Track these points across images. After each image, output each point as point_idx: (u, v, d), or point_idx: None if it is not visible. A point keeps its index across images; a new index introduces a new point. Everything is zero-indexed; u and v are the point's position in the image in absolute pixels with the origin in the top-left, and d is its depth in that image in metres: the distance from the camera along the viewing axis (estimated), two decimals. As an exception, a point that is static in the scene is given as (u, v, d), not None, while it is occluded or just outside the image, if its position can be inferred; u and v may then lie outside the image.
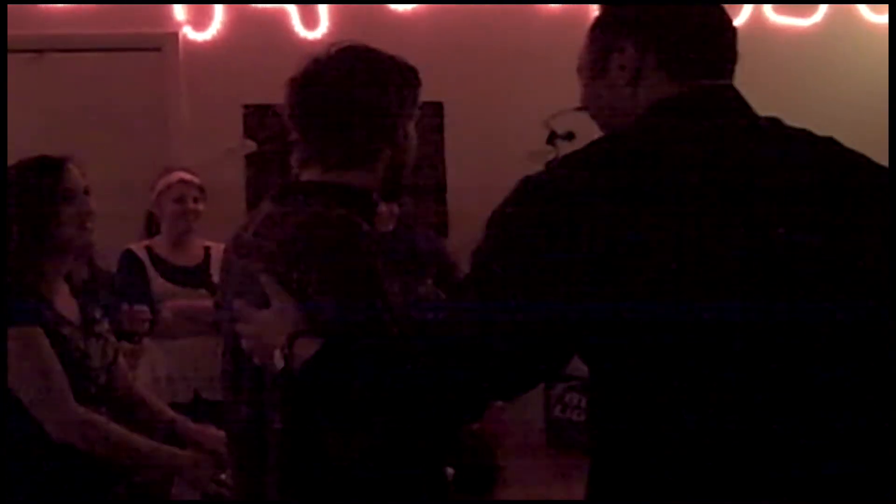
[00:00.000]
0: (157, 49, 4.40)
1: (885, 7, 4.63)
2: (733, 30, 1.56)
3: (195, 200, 3.67)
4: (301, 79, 1.79)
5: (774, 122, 1.52)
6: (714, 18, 1.55)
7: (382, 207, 3.43)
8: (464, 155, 4.47)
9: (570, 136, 4.29)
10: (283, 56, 4.28)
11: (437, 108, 4.42)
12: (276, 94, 4.69)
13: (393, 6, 4.48)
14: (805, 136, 1.52)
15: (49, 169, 2.26)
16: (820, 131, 1.58)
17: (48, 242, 2.25)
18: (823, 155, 1.49)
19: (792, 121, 1.58)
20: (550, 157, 4.47)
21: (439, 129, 4.46)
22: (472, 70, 4.46)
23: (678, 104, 1.48)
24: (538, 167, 4.71)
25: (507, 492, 2.46)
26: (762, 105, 1.60)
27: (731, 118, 1.49)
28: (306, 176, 1.77)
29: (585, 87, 1.59)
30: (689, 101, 1.49)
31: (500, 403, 2.84)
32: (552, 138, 4.48)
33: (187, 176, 3.70)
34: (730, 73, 1.55)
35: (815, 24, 4.65)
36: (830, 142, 1.52)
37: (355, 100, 1.73)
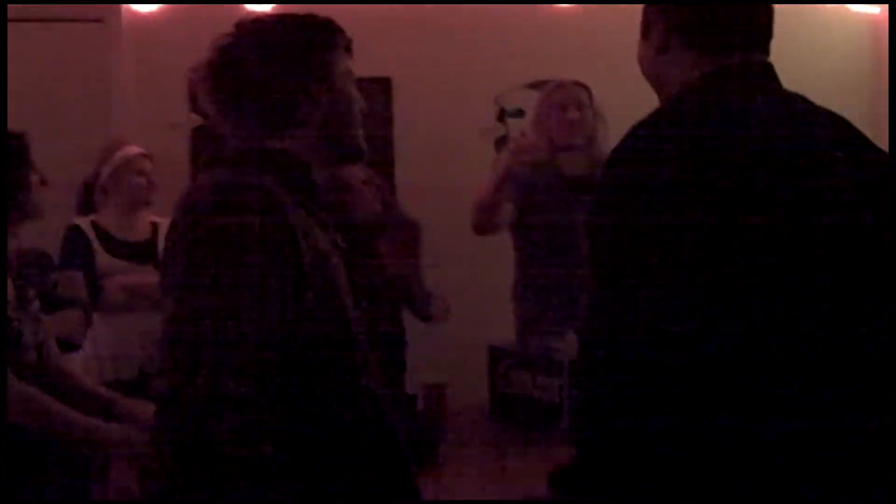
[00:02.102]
0: (99, 21, 4.32)
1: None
2: (767, 6, 1.68)
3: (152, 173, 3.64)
4: (206, 64, 1.75)
5: (799, 99, 1.64)
6: None
7: (364, 190, 3.38)
8: (412, 131, 4.45)
9: (519, 112, 4.28)
10: (230, 28, 4.18)
11: (385, 84, 4.38)
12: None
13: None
14: (826, 115, 1.63)
15: (14, 138, 2.39)
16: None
17: (13, 210, 2.34)
18: (842, 134, 1.61)
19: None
20: (499, 134, 4.47)
21: (388, 104, 4.43)
22: (422, 45, 4.43)
23: (711, 82, 1.60)
24: (487, 144, 4.70)
25: (449, 465, 2.46)
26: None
27: (755, 94, 1.60)
28: (233, 144, 1.74)
29: (639, 46, 1.75)
30: (720, 79, 1.60)
31: (442, 380, 2.86)
32: (502, 115, 4.48)
33: (142, 149, 3.66)
34: (761, 48, 1.66)
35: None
36: (845, 121, 1.64)
37: (262, 69, 1.69)
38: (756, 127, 1.53)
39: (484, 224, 3.32)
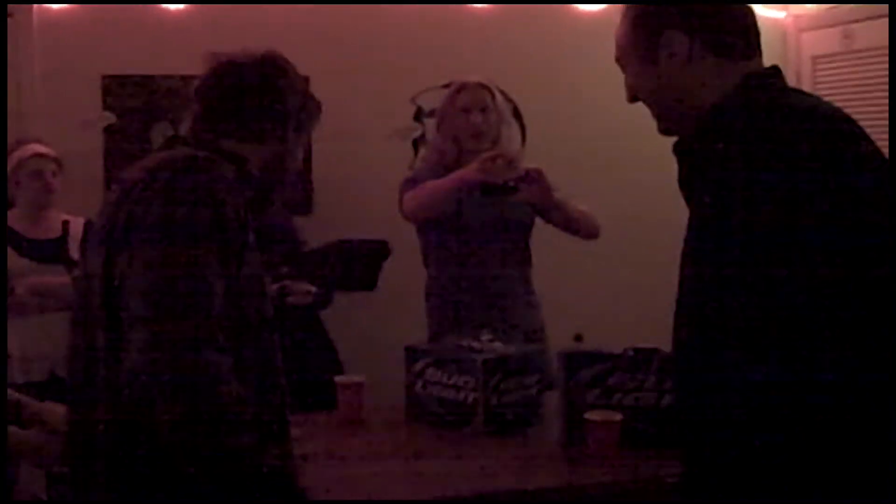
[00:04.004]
0: (9, 16, 4.22)
1: None
2: (753, 11, 1.74)
3: (53, 175, 3.56)
4: (228, 58, 1.96)
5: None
6: (739, 3, 1.73)
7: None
8: (330, 129, 4.43)
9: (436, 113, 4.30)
10: (144, 27, 4.18)
11: (303, 82, 4.36)
12: (137, 65, 4.56)
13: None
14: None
15: None
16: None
17: None
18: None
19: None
20: (417, 134, 4.49)
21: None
22: (340, 44, 4.42)
23: (756, 81, 1.66)
24: (404, 143, 4.72)
25: (365, 464, 2.46)
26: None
27: (790, 92, 1.70)
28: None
29: (634, 76, 1.74)
30: (762, 79, 1.67)
31: (359, 378, 2.87)
32: (419, 115, 4.50)
33: (43, 149, 3.59)
34: (760, 50, 1.72)
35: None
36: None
37: (267, 89, 1.94)
38: (814, 120, 1.60)
39: (437, 208, 3.30)
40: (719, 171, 1.57)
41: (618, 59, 1.78)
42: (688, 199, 1.67)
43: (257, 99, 1.92)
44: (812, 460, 1.50)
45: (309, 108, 2.04)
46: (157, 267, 1.64)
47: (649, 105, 1.76)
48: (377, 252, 3.61)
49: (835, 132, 1.60)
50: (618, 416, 2.43)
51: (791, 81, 1.77)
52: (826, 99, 1.75)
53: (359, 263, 3.62)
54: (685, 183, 1.68)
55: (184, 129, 1.99)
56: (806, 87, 4.56)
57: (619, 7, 1.82)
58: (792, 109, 1.62)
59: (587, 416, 2.44)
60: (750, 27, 1.72)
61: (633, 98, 1.77)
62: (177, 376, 1.58)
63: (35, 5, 4.21)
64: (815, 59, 4.75)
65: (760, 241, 1.49)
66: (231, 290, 1.69)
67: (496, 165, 3.18)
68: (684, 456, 1.64)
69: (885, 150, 1.69)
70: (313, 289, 3.58)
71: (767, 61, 1.74)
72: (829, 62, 4.69)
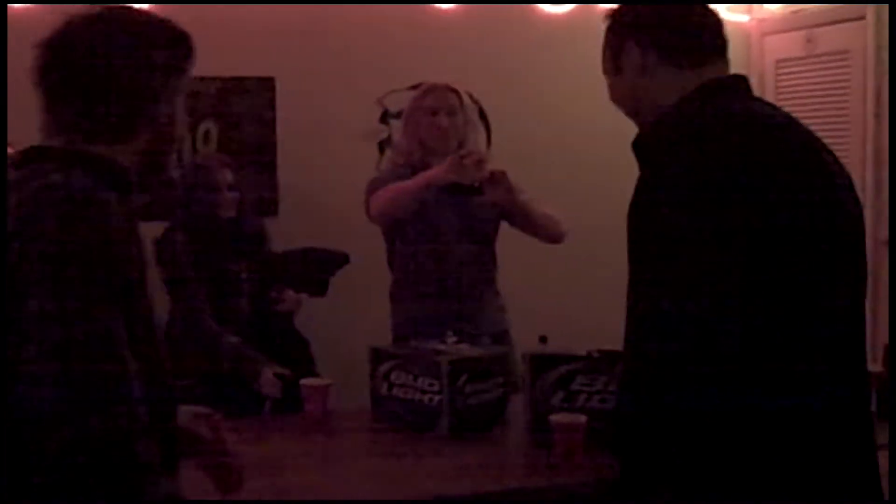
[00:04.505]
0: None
1: None
2: (718, 18, 1.79)
3: None
4: (50, 40, 1.60)
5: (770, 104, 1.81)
6: (698, 12, 1.78)
7: (226, 194, 3.41)
8: (295, 131, 4.43)
9: (402, 114, 4.30)
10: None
11: (269, 83, 4.35)
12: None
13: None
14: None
15: None
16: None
17: None
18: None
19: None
20: (383, 135, 4.48)
21: (271, 104, 4.39)
22: (306, 45, 4.41)
23: (708, 91, 1.69)
24: (370, 145, 4.69)
25: (330, 466, 2.46)
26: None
27: (749, 100, 1.73)
28: (50, 144, 1.61)
29: (608, 83, 1.83)
30: (717, 88, 1.70)
31: (326, 382, 2.87)
32: (385, 117, 4.49)
33: (11, 150, 3.55)
34: (725, 57, 1.76)
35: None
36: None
37: (109, 68, 1.56)
38: (769, 128, 1.64)
39: (404, 209, 3.28)
40: (654, 175, 1.61)
41: (602, 68, 1.85)
42: None
43: (110, 89, 1.56)
44: (762, 461, 1.53)
45: (176, 59, 1.63)
46: (57, 320, 1.42)
47: (618, 107, 1.83)
48: (336, 261, 3.69)
49: (785, 142, 1.63)
50: (583, 419, 2.44)
51: (754, 85, 1.79)
52: (788, 102, 1.77)
53: (318, 271, 3.68)
54: None
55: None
56: (769, 91, 4.61)
57: (585, 9, 1.85)
58: (736, 118, 1.64)
59: (552, 418, 2.45)
60: (708, 33, 1.76)
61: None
62: (90, 437, 1.40)
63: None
64: (778, 62, 4.79)
65: (683, 247, 1.52)
66: (134, 336, 1.49)
67: (465, 166, 3.17)
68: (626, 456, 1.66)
69: (848, 153, 1.72)
70: (304, 296, 3.61)
71: (731, 65, 1.76)
72: (792, 66, 4.73)
